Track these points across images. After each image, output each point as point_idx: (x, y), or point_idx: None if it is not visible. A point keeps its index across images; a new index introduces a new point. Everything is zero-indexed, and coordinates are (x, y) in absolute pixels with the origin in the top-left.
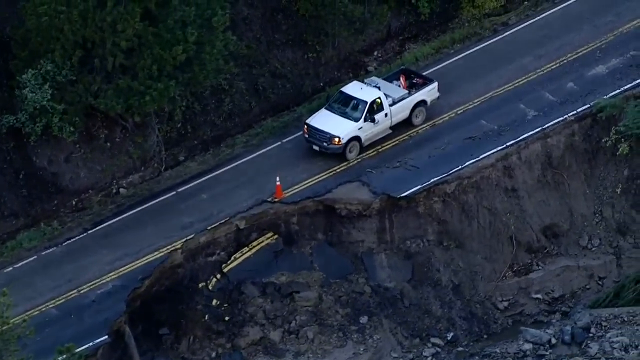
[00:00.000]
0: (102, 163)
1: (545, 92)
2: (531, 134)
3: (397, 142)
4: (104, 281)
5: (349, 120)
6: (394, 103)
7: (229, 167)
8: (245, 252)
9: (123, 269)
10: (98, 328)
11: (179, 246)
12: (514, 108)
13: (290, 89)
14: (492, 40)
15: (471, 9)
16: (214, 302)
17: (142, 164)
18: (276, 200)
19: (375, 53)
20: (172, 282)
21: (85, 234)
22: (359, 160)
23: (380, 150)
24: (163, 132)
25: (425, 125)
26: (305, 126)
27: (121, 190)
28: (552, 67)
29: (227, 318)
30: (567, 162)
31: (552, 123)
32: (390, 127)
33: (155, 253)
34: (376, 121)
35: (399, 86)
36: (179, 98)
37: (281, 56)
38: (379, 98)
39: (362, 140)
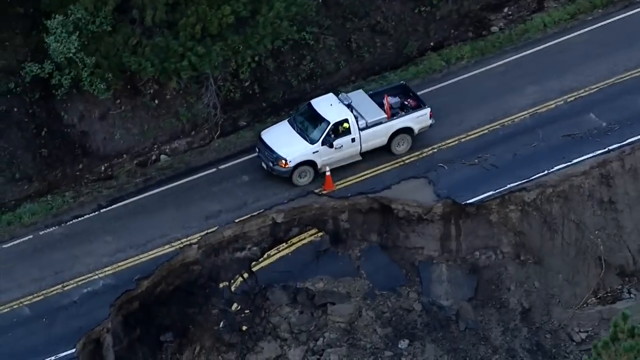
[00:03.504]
0: (144, 124)
1: None
2: None
3: (486, 131)
4: (95, 277)
5: (304, 141)
6: (366, 127)
7: None
8: (282, 250)
9: (122, 263)
10: (68, 338)
11: (195, 240)
12: (633, 102)
13: (391, 48)
14: None
15: None
16: (234, 306)
17: (193, 128)
18: (324, 192)
19: (506, 10)
20: (184, 281)
21: (96, 213)
22: (435, 150)
23: (462, 140)
24: (225, 91)
25: (525, 113)
26: (259, 139)
27: (162, 157)
28: None
29: (244, 328)
30: None
31: None
32: (361, 154)
33: (166, 247)
34: (336, 146)
35: (390, 106)
36: (248, 52)
37: (386, 8)
38: (346, 120)
39: (319, 165)
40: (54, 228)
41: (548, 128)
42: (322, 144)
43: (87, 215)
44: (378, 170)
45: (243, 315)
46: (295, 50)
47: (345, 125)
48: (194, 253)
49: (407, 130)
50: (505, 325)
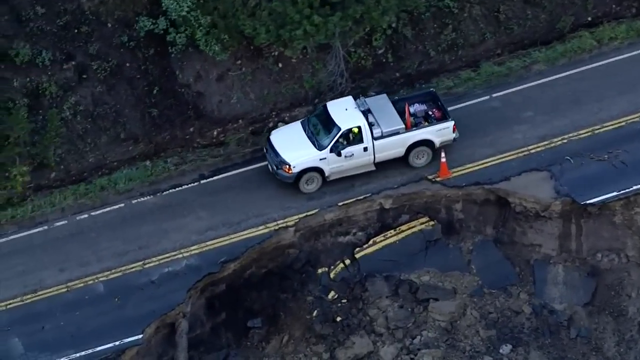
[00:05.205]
0: (264, 88)
1: None
2: None
3: (624, 123)
4: (179, 256)
5: (312, 146)
6: (381, 137)
7: None
8: (390, 237)
9: (211, 242)
10: (138, 322)
11: (292, 223)
12: None
13: (543, 22)
14: None
15: None
16: (331, 295)
17: (316, 95)
18: (438, 180)
19: None
20: (278, 264)
21: (196, 184)
22: (565, 140)
23: (596, 131)
24: (355, 58)
25: None
26: (267, 139)
27: (279, 125)
28: None
29: (338, 318)
30: None
31: None
32: (375, 164)
33: (261, 227)
34: (346, 155)
35: (414, 115)
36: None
37: None
38: (358, 127)
39: (326, 173)
40: (148, 197)
41: None
42: (331, 151)
43: (186, 186)
44: (501, 158)
45: (339, 305)
46: (437, 18)
47: (357, 132)
48: (290, 236)
49: (427, 143)
50: (621, 336)
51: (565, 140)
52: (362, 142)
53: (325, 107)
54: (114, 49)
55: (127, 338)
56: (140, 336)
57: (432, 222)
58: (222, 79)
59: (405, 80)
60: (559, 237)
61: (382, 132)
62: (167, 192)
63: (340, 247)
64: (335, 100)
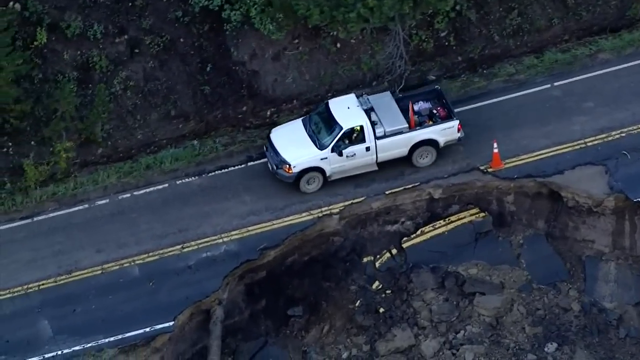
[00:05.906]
0: (320, 69)
1: None
2: None
3: None
4: (219, 241)
5: (313, 146)
6: (384, 136)
7: (464, 108)
8: (439, 227)
9: (252, 228)
10: (171, 308)
11: (337, 210)
12: None
13: (613, 9)
14: None
15: None
16: (375, 285)
17: (374, 78)
18: (490, 170)
19: None
20: (322, 252)
21: (242, 166)
22: (623, 134)
23: None
24: (417, 40)
25: None
26: (267, 137)
27: None
28: None
29: (381, 310)
30: None
31: None
32: (377, 164)
33: (304, 214)
34: (348, 155)
35: (418, 113)
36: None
37: None
38: (360, 127)
39: (328, 173)
40: (193, 178)
41: None
42: (332, 150)
43: (233, 168)
44: (556, 150)
45: (383, 295)
46: (503, 2)
47: (357, 129)
48: (334, 223)
49: (431, 143)
50: None
51: (623, 134)
52: (365, 141)
53: (327, 105)
54: (167, 24)
55: (158, 324)
56: (172, 323)
57: (482, 214)
58: (278, 58)
59: (467, 64)
60: (612, 233)
61: (385, 131)
62: (213, 173)
63: (387, 236)
64: (337, 98)
